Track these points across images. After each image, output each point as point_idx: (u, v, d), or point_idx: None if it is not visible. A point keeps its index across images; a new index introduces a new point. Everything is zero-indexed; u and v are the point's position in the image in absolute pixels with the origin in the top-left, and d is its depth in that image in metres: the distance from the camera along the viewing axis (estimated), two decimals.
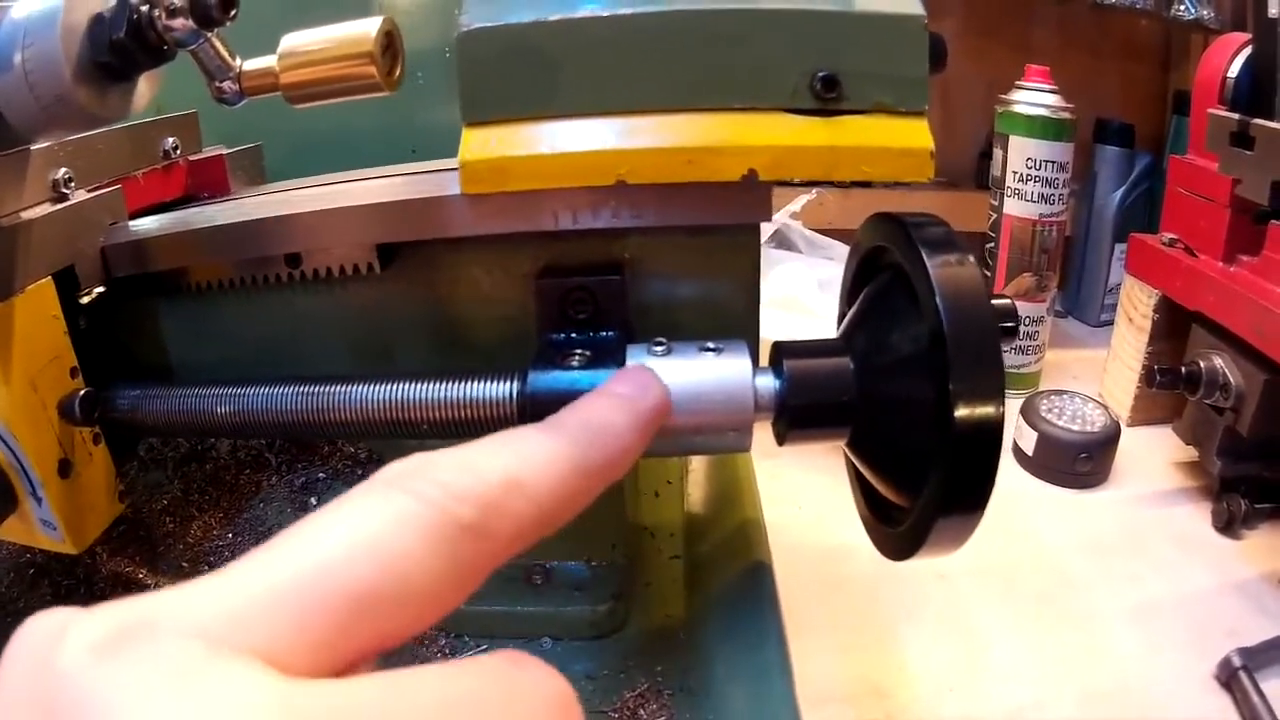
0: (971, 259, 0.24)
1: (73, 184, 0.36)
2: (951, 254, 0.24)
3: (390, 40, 0.25)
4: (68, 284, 0.34)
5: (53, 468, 0.33)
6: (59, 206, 0.34)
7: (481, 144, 0.25)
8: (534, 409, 0.26)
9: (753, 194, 0.27)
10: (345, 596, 0.13)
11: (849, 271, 0.30)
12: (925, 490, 0.24)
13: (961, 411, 0.22)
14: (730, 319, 0.29)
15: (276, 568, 0.14)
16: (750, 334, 0.29)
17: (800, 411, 0.26)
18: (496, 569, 0.16)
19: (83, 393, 0.33)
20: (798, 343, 0.27)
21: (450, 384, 0.27)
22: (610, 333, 0.28)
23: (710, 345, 0.26)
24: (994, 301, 0.28)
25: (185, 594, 0.13)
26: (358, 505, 0.15)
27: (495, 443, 0.17)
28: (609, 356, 0.26)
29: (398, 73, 0.26)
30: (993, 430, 0.23)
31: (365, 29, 0.24)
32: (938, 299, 0.23)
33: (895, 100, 0.26)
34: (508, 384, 0.26)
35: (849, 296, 0.31)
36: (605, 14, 0.25)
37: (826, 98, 0.26)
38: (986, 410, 0.23)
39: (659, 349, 0.25)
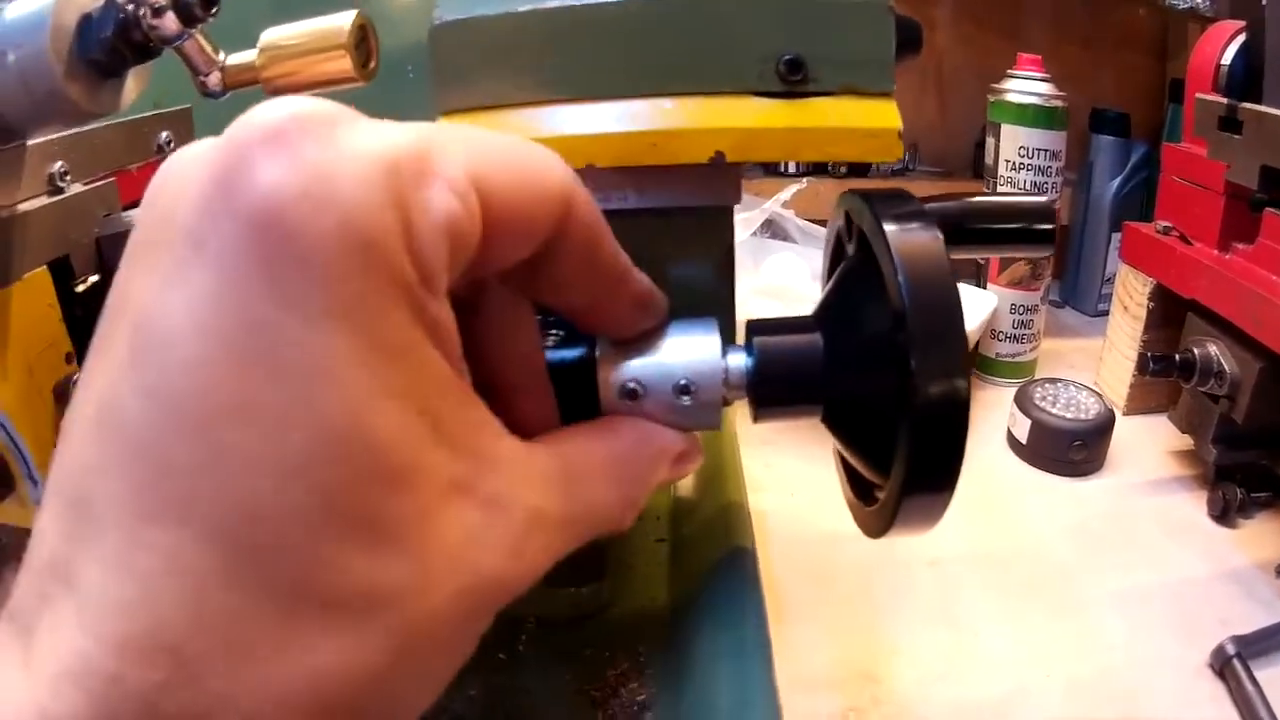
0: (937, 235, 0.24)
1: (68, 177, 0.37)
2: (915, 228, 0.24)
3: (364, 34, 0.26)
4: (63, 274, 0.35)
5: (49, 450, 0.33)
6: (55, 199, 0.35)
7: None
8: None
9: (722, 176, 0.27)
10: None
11: (826, 248, 0.31)
12: (894, 468, 0.25)
13: (922, 389, 0.22)
14: (704, 299, 0.29)
15: None
16: (725, 313, 0.29)
17: (770, 389, 0.26)
18: None
19: (77, 377, 0.34)
20: (769, 320, 0.27)
21: None
22: None
23: (681, 324, 0.26)
24: (1028, 199, 0.28)
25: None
26: None
27: None
28: (580, 336, 0.27)
29: (372, 65, 0.27)
30: (956, 408, 0.23)
31: (339, 23, 0.25)
32: (898, 274, 0.23)
33: (861, 82, 0.27)
34: None
35: (827, 274, 0.31)
36: (572, 4, 0.25)
37: (791, 80, 0.26)
38: (949, 388, 0.23)
39: None
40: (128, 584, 0.13)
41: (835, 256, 0.30)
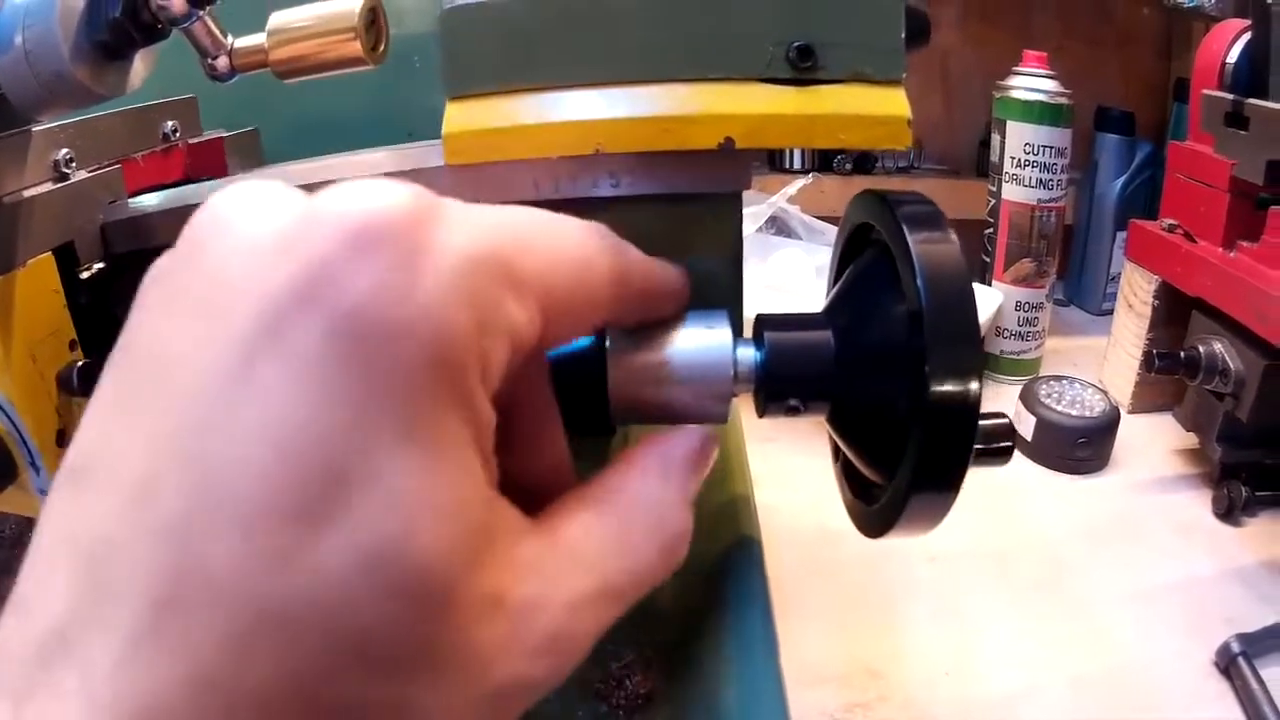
0: (954, 237, 0.24)
1: (74, 164, 0.37)
2: (934, 232, 0.24)
3: (374, 16, 0.26)
4: (68, 260, 0.35)
5: (51, 437, 0.33)
6: (60, 185, 0.35)
7: (464, 117, 0.26)
8: None
9: (731, 162, 0.27)
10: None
11: (836, 247, 0.31)
12: (900, 467, 0.24)
13: (936, 389, 0.22)
14: (713, 289, 0.29)
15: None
16: (734, 305, 0.29)
17: (778, 385, 0.26)
18: None
19: (80, 364, 0.34)
20: (780, 315, 0.27)
21: None
22: None
23: (692, 316, 0.26)
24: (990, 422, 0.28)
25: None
26: None
27: None
28: None
29: (381, 48, 0.26)
30: (967, 410, 0.23)
31: (349, 5, 0.25)
32: (917, 276, 0.23)
33: (871, 69, 0.26)
34: None
35: (836, 272, 0.31)
36: None
37: (802, 67, 0.26)
38: (962, 389, 0.23)
39: None
40: (136, 669, 0.13)
41: (845, 255, 0.30)
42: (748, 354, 0.26)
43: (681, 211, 0.28)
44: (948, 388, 0.22)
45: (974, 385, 0.23)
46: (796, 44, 0.26)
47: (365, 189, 0.15)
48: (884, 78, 0.27)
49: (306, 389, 0.13)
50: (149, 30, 0.28)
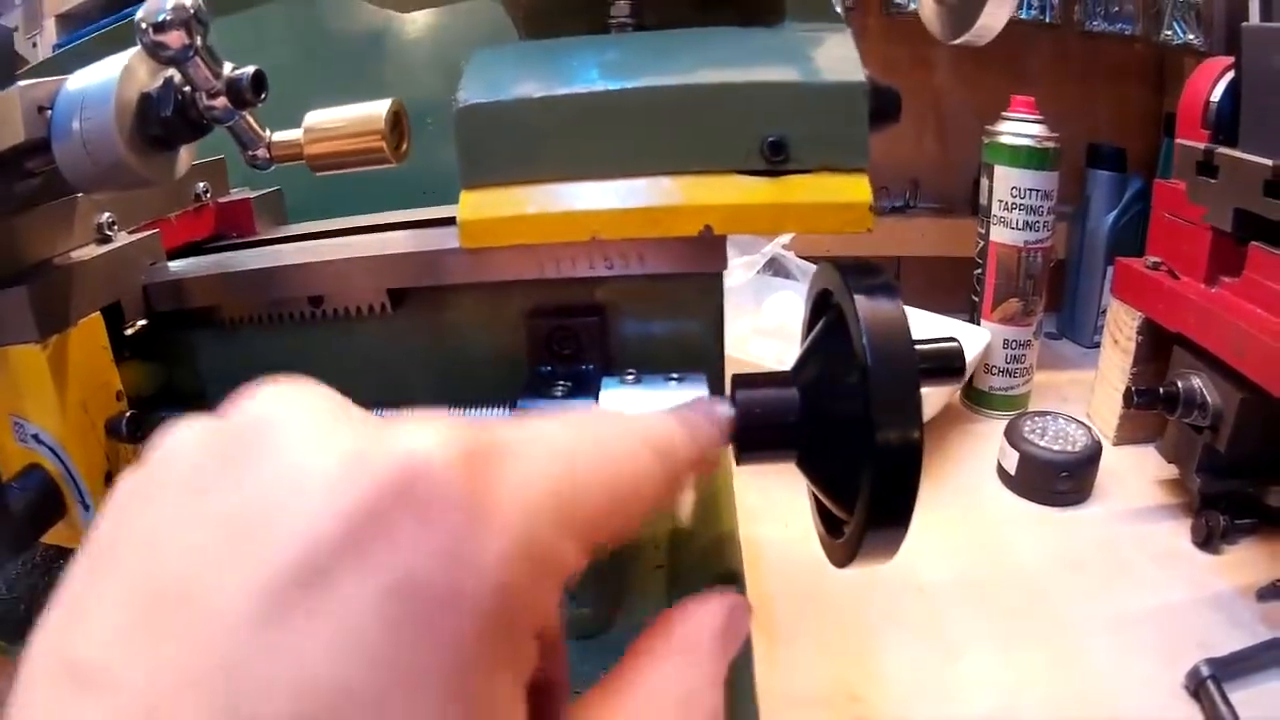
0: (899, 304, 0.27)
1: (115, 227, 0.40)
2: (880, 300, 0.27)
3: (398, 119, 0.29)
4: (114, 317, 0.38)
5: (100, 479, 0.37)
6: (105, 248, 0.39)
7: (477, 205, 0.29)
8: None
9: (710, 247, 0.30)
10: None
11: (806, 311, 0.34)
12: (857, 506, 0.28)
13: (883, 438, 0.25)
14: (697, 354, 0.33)
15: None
16: (714, 366, 0.33)
17: (750, 437, 0.29)
18: None
19: (128, 414, 0.37)
20: (752, 375, 0.30)
21: (452, 411, 0.31)
22: (590, 366, 0.32)
23: (674, 376, 0.29)
24: (941, 345, 0.31)
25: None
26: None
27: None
28: (588, 387, 0.30)
29: (404, 147, 0.30)
30: (910, 455, 0.26)
31: (377, 110, 0.29)
32: (864, 339, 0.26)
33: (837, 160, 0.30)
34: (500, 410, 0.30)
35: (805, 333, 0.34)
36: (582, 91, 0.29)
37: (774, 160, 0.29)
38: (905, 437, 0.26)
39: (630, 378, 0.29)
40: None
41: (813, 320, 0.33)
42: (724, 411, 0.29)
43: (668, 289, 0.31)
44: (891, 436, 0.25)
45: (915, 434, 0.26)
46: (770, 139, 0.29)
47: (419, 433, 0.14)
48: (849, 167, 0.30)
49: (349, 648, 0.12)
50: (195, 127, 0.31)
